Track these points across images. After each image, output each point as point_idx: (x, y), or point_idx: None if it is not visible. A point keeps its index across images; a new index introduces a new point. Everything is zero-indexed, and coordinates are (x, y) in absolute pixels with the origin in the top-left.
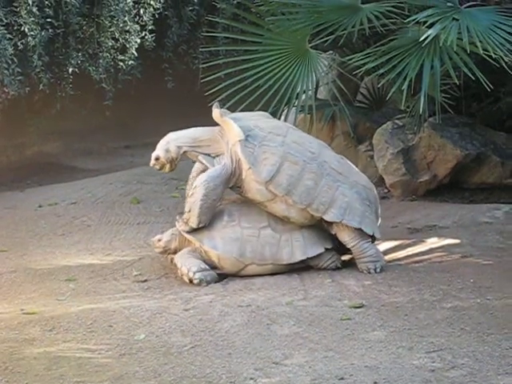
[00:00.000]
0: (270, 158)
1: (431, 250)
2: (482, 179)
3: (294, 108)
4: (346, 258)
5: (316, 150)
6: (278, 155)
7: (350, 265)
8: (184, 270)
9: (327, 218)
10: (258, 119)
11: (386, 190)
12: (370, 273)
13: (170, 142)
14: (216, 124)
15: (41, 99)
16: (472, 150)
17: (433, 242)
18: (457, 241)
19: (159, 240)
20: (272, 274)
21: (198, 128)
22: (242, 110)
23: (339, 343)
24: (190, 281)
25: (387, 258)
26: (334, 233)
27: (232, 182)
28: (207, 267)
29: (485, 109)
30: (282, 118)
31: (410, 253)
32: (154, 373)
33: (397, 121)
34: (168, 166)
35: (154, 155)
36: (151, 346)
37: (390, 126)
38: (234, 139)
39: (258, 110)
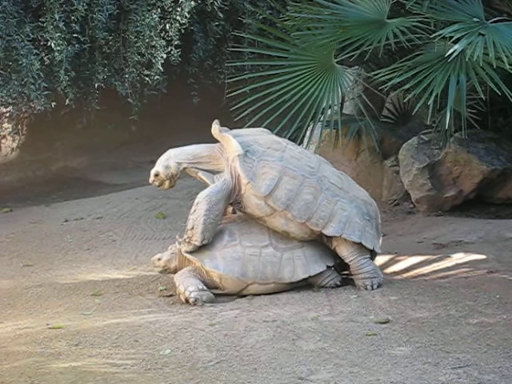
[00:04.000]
0: (269, 173)
1: (457, 266)
2: (507, 194)
3: (319, 123)
4: None
5: (315, 164)
6: (276, 170)
7: None
8: (181, 289)
9: (327, 232)
10: (258, 135)
11: (411, 206)
12: (366, 289)
13: (170, 159)
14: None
15: (67, 114)
16: (498, 166)
17: (459, 257)
18: (483, 256)
19: (159, 259)
20: (298, 290)
21: (199, 145)
22: (267, 125)
23: (365, 359)
24: (187, 300)
25: (413, 273)
26: (333, 247)
27: (232, 198)
28: (204, 288)
29: (511, 124)
30: (308, 133)
31: (435, 268)
32: None
33: (423, 136)
34: (167, 182)
35: (153, 171)
36: (177, 361)
37: (416, 141)
38: (232, 154)
39: (284, 125)
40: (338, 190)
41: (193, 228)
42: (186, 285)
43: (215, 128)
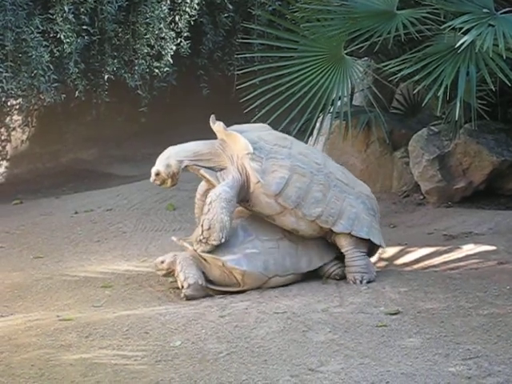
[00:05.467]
0: (279, 171)
1: (467, 257)
2: None
3: (329, 114)
4: (380, 264)
5: (321, 161)
6: (286, 168)
7: (386, 272)
8: (181, 277)
9: (336, 229)
10: (261, 131)
11: (421, 197)
12: (355, 283)
13: (171, 157)
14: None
15: (76, 106)
16: (508, 157)
17: (469, 248)
18: (493, 247)
19: (162, 262)
20: (308, 282)
21: (199, 141)
22: (277, 117)
23: (375, 350)
24: (182, 287)
25: (423, 264)
26: (332, 239)
27: (241, 196)
28: (203, 284)
29: None
30: (318, 124)
31: (445, 259)
32: (190, 380)
33: (432, 127)
34: (170, 180)
35: (154, 170)
36: (187, 352)
37: (426, 132)
38: (241, 152)
39: (294, 116)
40: (345, 186)
41: (209, 228)
42: (188, 275)
43: (219, 125)
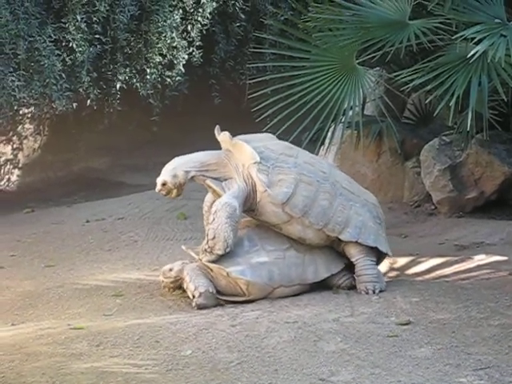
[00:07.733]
0: (285, 180)
1: (478, 267)
2: None
3: (340, 124)
4: (392, 274)
5: (327, 169)
6: (292, 176)
7: (397, 282)
8: (191, 287)
9: (343, 237)
10: (266, 140)
11: (433, 207)
12: (367, 293)
13: (177, 167)
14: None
15: (88, 115)
16: None
17: (480, 258)
18: (504, 258)
19: (170, 270)
20: (318, 291)
21: (204, 152)
22: (288, 126)
23: (386, 360)
24: (193, 297)
25: (434, 274)
26: (341, 248)
27: (246, 205)
28: (214, 292)
29: None
30: (329, 134)
31: (457, 270)
32: None
33: (444, 137)
34: (175, 191)
35: (160, 181)
36: (198, 361)
37: (438, 142)
38: (247, 162)
39: (306, 126)
40: (351, 194)
41: (214, 237)
42: (198, 284)
43: (225, 135)
